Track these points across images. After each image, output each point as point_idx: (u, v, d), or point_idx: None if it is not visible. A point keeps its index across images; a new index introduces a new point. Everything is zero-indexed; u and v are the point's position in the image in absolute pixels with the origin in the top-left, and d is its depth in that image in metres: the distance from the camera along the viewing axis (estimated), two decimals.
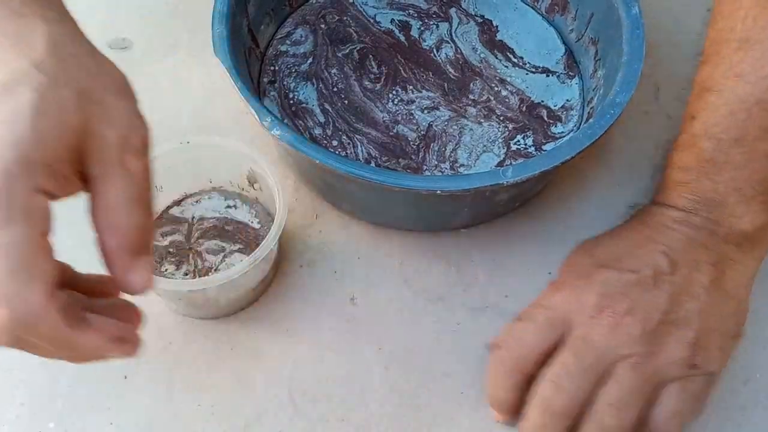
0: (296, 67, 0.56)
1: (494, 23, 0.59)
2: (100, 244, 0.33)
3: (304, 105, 0.54)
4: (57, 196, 0.31)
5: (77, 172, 0.32)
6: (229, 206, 0.50)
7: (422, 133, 0.53)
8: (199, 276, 0.48)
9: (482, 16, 0.59)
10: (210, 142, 0.47)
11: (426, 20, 0.58)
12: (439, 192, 0.43)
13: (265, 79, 0.55)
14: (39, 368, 0.47)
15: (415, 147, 0.53)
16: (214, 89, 0.57)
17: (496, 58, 0.57)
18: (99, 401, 0.46)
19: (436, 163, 0.52)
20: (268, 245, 0.43)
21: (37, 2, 0.34)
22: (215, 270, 0.48)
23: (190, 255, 0.49)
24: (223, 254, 0.49)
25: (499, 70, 0.56)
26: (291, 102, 0.54)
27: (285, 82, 0.55)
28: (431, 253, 0.51)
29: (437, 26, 0.58)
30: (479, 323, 0.48)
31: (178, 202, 0.51)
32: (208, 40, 0.49)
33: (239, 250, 0.49)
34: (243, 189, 0.50)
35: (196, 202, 0.50)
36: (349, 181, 0.46)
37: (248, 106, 0.46)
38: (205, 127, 0.56)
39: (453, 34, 0.58)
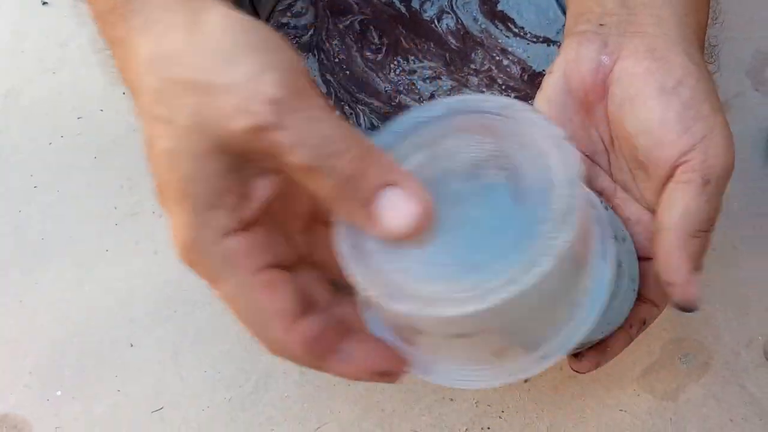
0: (297, 39, 0.56)
1: None
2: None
3: None
4: (247, 224, 0.28)
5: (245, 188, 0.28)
6: None
7: (424, 102, 0.53)
8: None
9: None
10: None
11: None
12: None
13: None
14: (47, 339, 0.47)
15: None
16: None
17: (497, 28, 0.57)
18: (106, 369, 0.46)
19: None
20: None
21: None
22: None
23: None
24: None
25: (500, 40, 0.56)
26: None
27: None
28: None
29: None
30: None
31: None
32: None
33: None
34: None
35: None
36: None
37: None
38: None
39: (454, 5, 0.58)
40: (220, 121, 0.26)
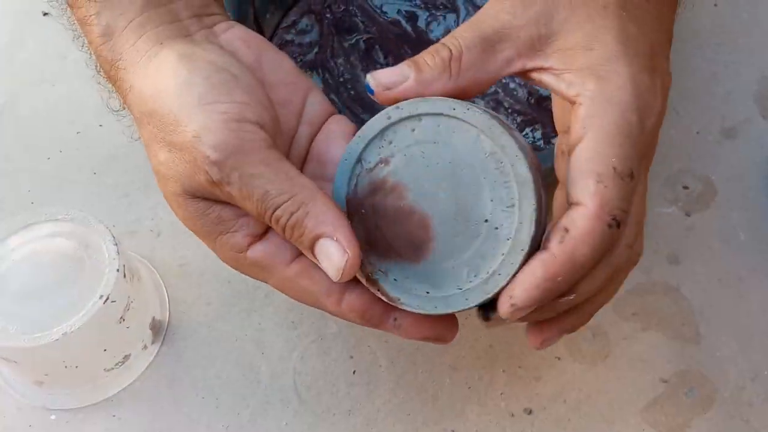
0: (302, 57, 0.55)
1: None
2: None
3: None
4: (260, 235, 0.34)
5: None
6: None
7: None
8: None
9: None
10: None
11: (433, 11, 0.58)
12: None
13: None
14: None
15: None
16: None
17: None
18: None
19: None
20: None
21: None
22: None
23: None
24: None
25: None
26: None
27: None
28: None
29: (444, 17, 0.57)
30: None
31: None
32: None
33: None
34: None
35: None
36: None
37: None
38: None
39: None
40: (192, 177, 0.32)
